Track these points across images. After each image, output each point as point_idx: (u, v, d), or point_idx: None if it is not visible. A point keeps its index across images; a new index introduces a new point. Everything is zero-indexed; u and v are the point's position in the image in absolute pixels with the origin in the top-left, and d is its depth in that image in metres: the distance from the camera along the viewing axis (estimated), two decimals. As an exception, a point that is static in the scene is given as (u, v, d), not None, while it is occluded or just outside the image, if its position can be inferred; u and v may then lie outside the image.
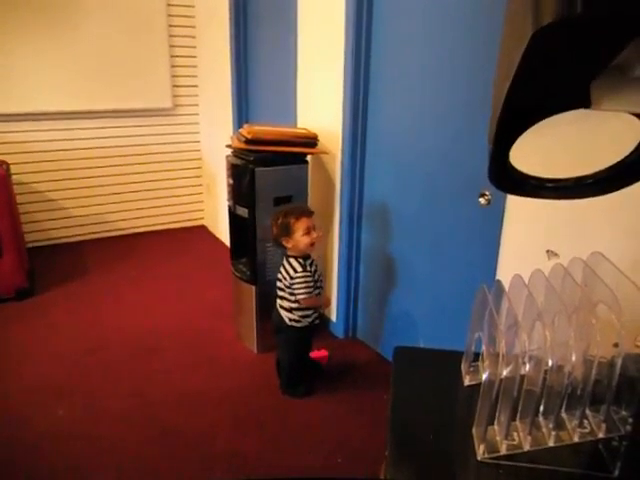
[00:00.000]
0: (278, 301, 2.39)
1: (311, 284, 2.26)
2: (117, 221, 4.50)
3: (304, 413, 2.32)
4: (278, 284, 2.36)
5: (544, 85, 0.40)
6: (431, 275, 2.38)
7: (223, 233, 4.32)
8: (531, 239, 1.85)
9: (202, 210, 4.85)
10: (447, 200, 2.22)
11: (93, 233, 4.42)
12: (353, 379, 2.57)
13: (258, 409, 2.33)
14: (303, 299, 2.27)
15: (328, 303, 2.43)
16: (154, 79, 4.26)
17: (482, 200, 1.97)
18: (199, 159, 4.67)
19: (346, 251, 2.82)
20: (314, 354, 2.71)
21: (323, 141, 2.71)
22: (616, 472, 0.85)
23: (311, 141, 2.61)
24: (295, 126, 2.99)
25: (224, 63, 3.83)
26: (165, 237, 4.57)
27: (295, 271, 2.25)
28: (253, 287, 2.69)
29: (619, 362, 0.81)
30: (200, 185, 4.76)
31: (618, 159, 0.52)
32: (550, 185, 0.55)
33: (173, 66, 4.33)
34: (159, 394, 2.42)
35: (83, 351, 2.76)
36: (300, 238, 2.22)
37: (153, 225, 4.65)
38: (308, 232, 2.22)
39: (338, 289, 2.94)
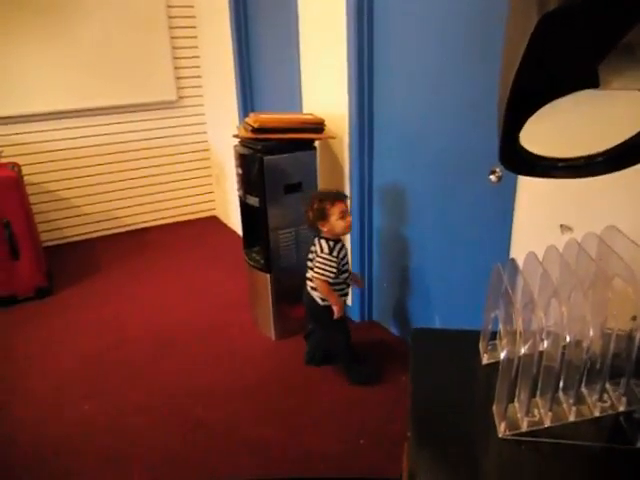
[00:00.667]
0: (308, 282, 2.39)
1: (333, 269, 2.25)
2: (128, 216, 4.54)
3: (325, 397, 2.35)
4: (308, 263, 2.38)
5: (551, 69, 0.40)
6: (444, 255, 2.38)
7: (235, 223, 4.35)
8: (544, 214, 1.83)
9: (213, 201, 4.87)
10: (458, 178, 2.21)
11: (105, 229, 4.46)
12: (372, 361, 2.60)
13: (279, 396, 2.37)
14: (317, 279, 2.26)
15: (339, 311, 2.29)
16: (157, 73, 4.26)
17: (493, 177, 1.96)
18: (207, 150, 4.68)
19: (358, 234, 2.83)
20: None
21: (330, 125, 2.70)
22: (638, 444, 0.86)
23: (318, 126, 2.60)
24: (301, 112, 2.98)
25: (226, 53, 3.81)
26: (177, 230, 4.61)
27: (322, 250, 2.26)
28: (267, 275, 2.71)
29: (638, 335, 0.81)
30: (209, 176, 4.77)
31: (627, 137, 0.52)
32: (561, 165, 0.55)
33: (176, 58, 4.31)
34: (181, 387, 2.46)
35: (104, 347, 2.81)
36: (336, 222, 2.23)
37: (164, 218, 4.69)
38: (343, 216, 2.24)
39: (352, 273, 2.96)
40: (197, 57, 4.41)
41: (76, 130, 4.13)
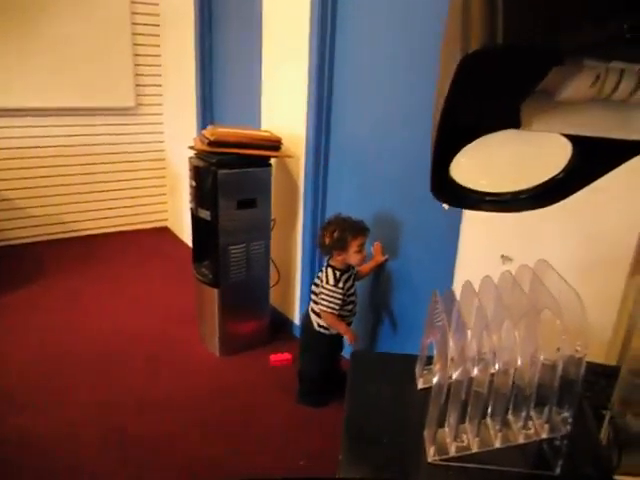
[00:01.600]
0: (311, 304, 2.31)
1: (339, 301, 2.17)
2: (77, 221, 4.39)
3: (269, 416, 2.32)
4: (313, 288, 2.30)
5: (476, 105, 0.42)
6: (395, 278, 2.42)
7: (187, 235, 4.27)
8: (487, 244, 1.90)
9: (165, 211, 4.78)
10: (410, 204, 2.26)
11: (52, 234, 4.30)
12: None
13: (220, 414, 2.32)
14: (324, 312, 2.19)
15: (351, 338, 2.21)
16: (117, 78, 4.18)
17: (445, 205, 2.00)
18: (163, 159, 4.61)
19: (309, 255, 2.84)
20: (275, 357, 2.72)
21: (287, 144, 2.72)
22: (557, 470, 0.89)
23: (275, 144, 2.61)
24: (259, 129, 2.99)
25: (189, 63, 3.79)
26: (127, 239, 4.49)
27: (327, 281, 2.18)
28: (216, 290, 2.67)
29: (560, 365, 0.84)
30: (164, 186, 4.69)
31: (550, 176, 0.55)
32: (489, 199, 0.57)
33: (137, 65, 4.25)
34: (119, 400, 2.37)
35: (42, 358, 2.68)
36: (352, 255, 2.14)
37: (115, 226, 4.56)
38: (360, 250, 2.15)
39: (301, 292, 2.95)
40: (158, 66, 4.36)
41: (26, 129, 3.99)
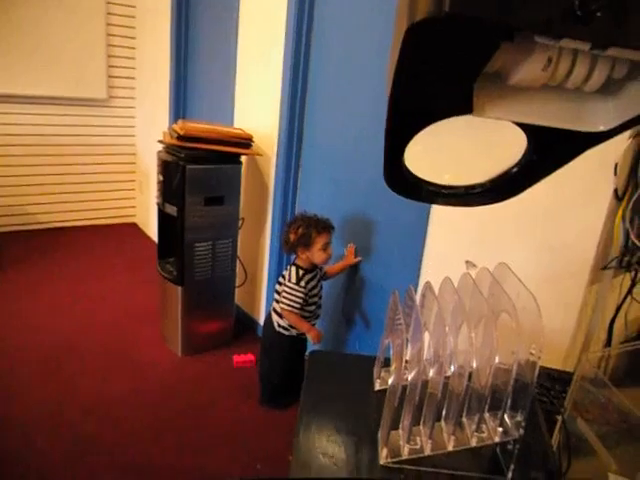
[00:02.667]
0: (273, 303, 2.27)
1: (299, 299, 2.12)
2: (42, 213, 4.26)
3: (228, 418, 2.27)
4: (276, 286, 2.25)
5: (426, 85, 0.40)
6: (364, 279, 2.40)
7: (154, 232, 4.19)
8: (452, 249, 1.90)
9: (134, 207, 4.69)
10: (383, 206, 2.24)
11: (16, 225, 4.16)
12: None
13: (178, 415, 2.26)
14: (284, 310, 2.14)
15: (315, 337, 2.17)
16: (89, 68, 4.08)
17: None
18: (133, 154, 4.52)
19: (276, 255, 2.81)
20: (239, 358, 2.67)
21: (259, 143, 2.69)
22: (509, 475, 0.88)
23: (245, 142, 2.58)
24: (232, 126, 2.95)
25: (163, 58, 3.73)
26: (93, 233, 4.38)
27: (289, 279, 2.14)
28: (179, 288, 2.61)
29: (514, 369, 0.84)
30: (133, 181, 4.60)
31: (504, 169, 0.54)
32: (445, 192, 0.56)
33: (110, 56, 4.17)
34: (73, 397, 2.29)
35: (-9, 351, 2.58)
36: (317, 252, 2.10)
37: (81, 220, 4.44)
38: (325, 248, 2.11)
39: (267, 293, 2.92)
40: (132, 58, 4.28)
41: (-9, 116, 3.86)
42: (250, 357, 2.70)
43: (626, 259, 1.52)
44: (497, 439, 0.88)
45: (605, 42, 0.34)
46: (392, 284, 2.21)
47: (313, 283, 2.18)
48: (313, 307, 2.22)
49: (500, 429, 0.88)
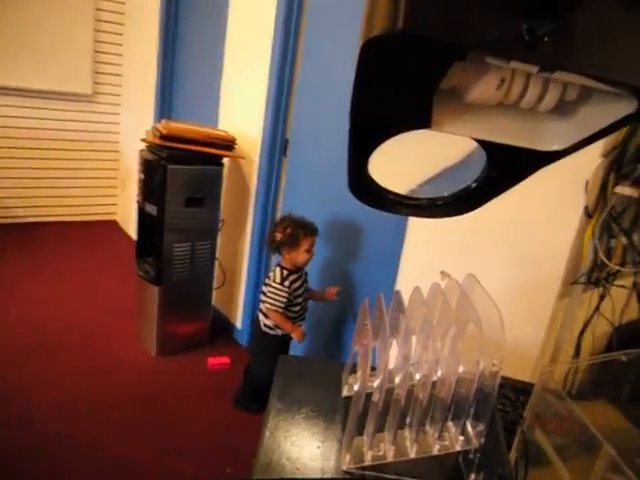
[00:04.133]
0: (260, 304, 2.29)
1: (283, 299, 2.15)
2: (21, 207, 4.19)
3: (200, 420, 2.26)
4: (263, 287, 2.28)
5: (383, 100, 0.41)
6: (342, 285, 2.41)
7: (133, 230, 4.16)
8: (428, 259, 1.92)
9: (115, 205, 4.64)
10: (366, 214, 2.25)
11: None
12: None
13: (149, 416, 2.24)
14: (269, 310, 2.17)
15: (300, 338, 2.20)
16: (75, 62, 4.04)
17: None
18: (117, 151, 4.48)
19: (256, 259, 2.81)
20: (214, 360, 2.66)
21: (242, 145, 2.69)
22: (470, 483, 0.90)
23: (228, 144, 2.58)
24: (216, 127, 2.95)
25: (151, 55, 3.72)
26: (73, 229, 4.32)
27: (274, 279, 2.17)
28: (157, 288, 2.59)
29: (477, 379, 0.85)
30: (115, 179, 4.56)
31: (464, 184, 0.55)
32: (408, 202, 0.57)
33: (97, 52, 4.13)
34: (45, 397, 2.25)
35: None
36: (302, 253, 2.14)
37: (61, 215, 4.38)
38: (310, 249, 2.15)
39: (245, 296, 2.91)
40: (120, 55, 4.25)
41: (-29, 107, 3.80)
42: (225, 360, 2.69)
43: (595, 275, 1.55)
44: (458, 447, 0.89)
45: (552, 66, 0.35)
46: (372, 290, 2.22)
47: (297, 284, 2.20)
48: (297, 308, 2.23)
49: (462, 438, 0.89)
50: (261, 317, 2.26)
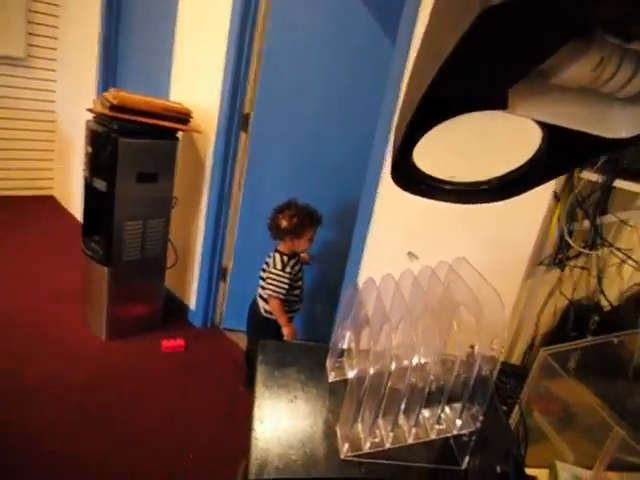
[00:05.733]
0: (259, 289, 2.26)
1: (285, 285, 2.14)
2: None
3: (158, 406, 2.18)
4: (260, 274, 2.25)
5: (470, 77, 0.38)
6: (312, 269, 2.39)
7: (75, 207, 3.92)
8: (393, 241, 1.92)
9: (52, 179, 4.34)
10: (328, 196, 2.23)
11: None
12: (208, 372, 2.47)
13: (105, 404, 2.13)
14: (270, 297, 2.16)
15: (289, 333, 2.20)
16: (5, 22, 3.69)
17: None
18: (53, 121, 4.17)
19: (211, 239, 2.71)
20: (168, 343, 2.57)
21: (197, 119, 2.56)
22: (463, 465, 0.90)
23: (184, 117, 2.45)
24: (168, 99, 2.80)
25: (92, 17, 3.45)
26: (5, 205, 4.01)
27: (274, 266, 2.15)
28: (106, 268, 2.45)
29: (476, 363, 0.85)
30: (52, 151, 4.25)
31: (510, 169, 0.53)
32: (448, 188, 0.54)
33: (30, 10, 3.79)
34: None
35: None
36: (304, 242, 2.14)
37: (-10, 189, 4.06)
38: (312, 238, 2.16)
39: (199, 277, 2.82)
40: (56, 16, 3.93)
41: None
42: (180, 342, 2.60)
43: (559, 257, 1.61)
44: (455, 431, 0.90)
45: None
46: (340, 271, 2.21)
47: (297, 267, 2.22)
48: (298, 291, 2.25)
49: (459, 422, 0.89)
50: (261, 303, 2.26)
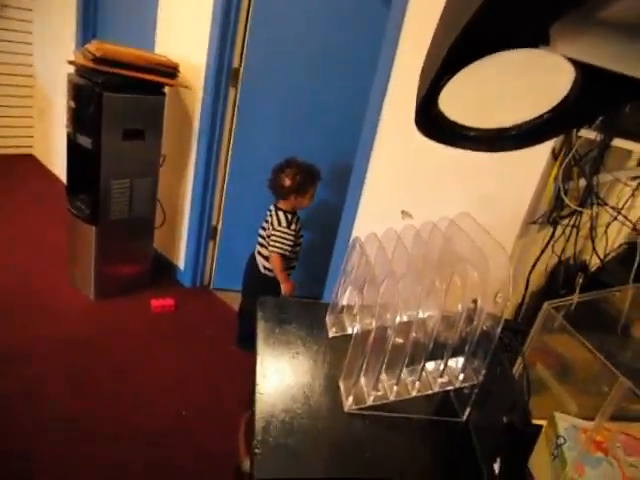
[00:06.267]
0: (257, 247, 2.27)
1: (290, 242, 2.16)
2: None
3: (149, 366, 2.18)
4: (260, 232, 2.25)
5: (515, 9, 0.36)
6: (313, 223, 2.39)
7: (57, 165, 3.82)
8: (387, 199, 1.91)
9: (31, 137, 4.21)
10: (335, 153, 2.20)
11: None
12: (199, 331, 2.48)
13: (95, 364, 2.12)
14: (274, 253, 2.16)
15: (289, 291, 2.21)
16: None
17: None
18: (30, 76, 4.01)
19: (199, 198, 2.66)
20: (157, 302, 2.56)
21: (185, 74, 2.48)
22: (464, 417, 0.92)
23: (171, 71, 2.36)
24: (152, 52, 2.69)
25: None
26: (-19, 163, 3.89)
27: (279, 224, 2.15)
28: (93, 227, 2.41)
29: (477, 317, 0.85)
30: (30, 107, 4.10)
31: (538, 113, 0.51)
32: (472, 134, 0.52)
33: (0, -44, 3.59)
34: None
35: None
36: (307, 199, 2.16)
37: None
38: (314, 195, 2.18)
39: (188, 236, 2.79)
40: (29, -38, 3.72)
41: None
42: (169, 302, 2.60)
43: (553, 215, 1.61)
44: (457, 385, 0.91)
45: None
46: (327, 232, 2.20)
47: (299, 225, 2.25)
48: (298, 248, 2.29)
49: (462, 375, 0.90)
50: (261, 260, 2.27)
